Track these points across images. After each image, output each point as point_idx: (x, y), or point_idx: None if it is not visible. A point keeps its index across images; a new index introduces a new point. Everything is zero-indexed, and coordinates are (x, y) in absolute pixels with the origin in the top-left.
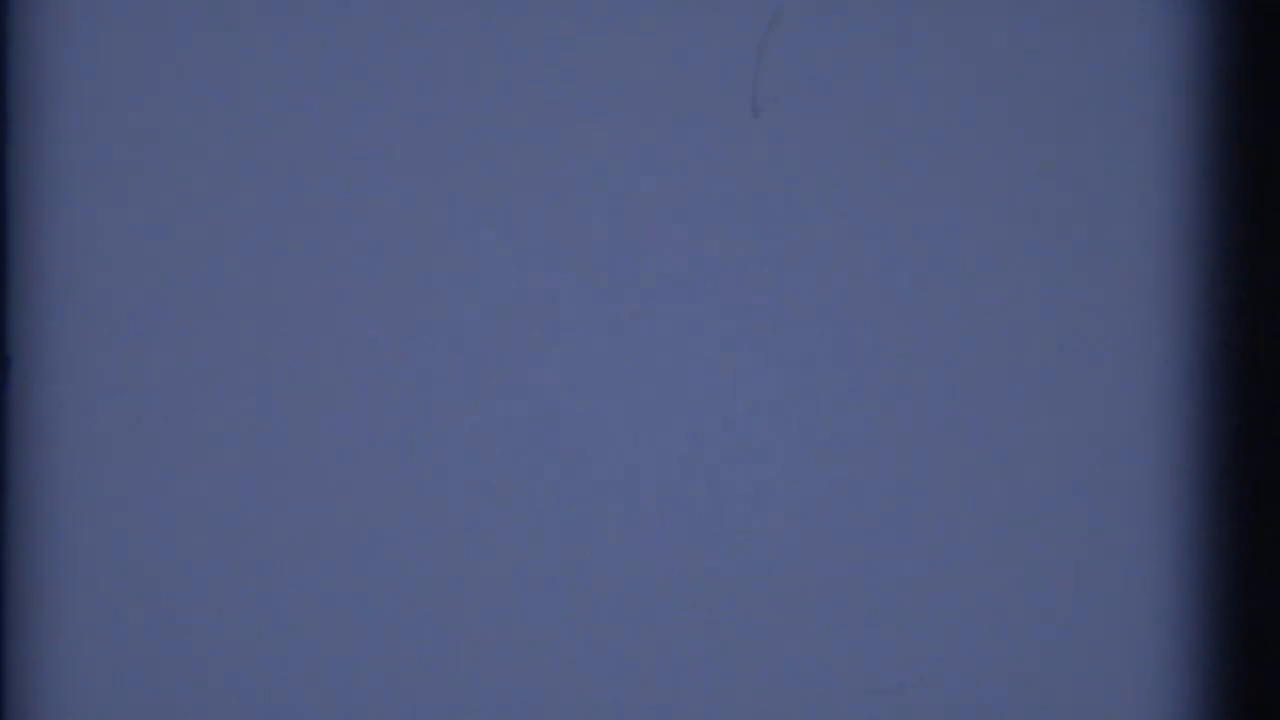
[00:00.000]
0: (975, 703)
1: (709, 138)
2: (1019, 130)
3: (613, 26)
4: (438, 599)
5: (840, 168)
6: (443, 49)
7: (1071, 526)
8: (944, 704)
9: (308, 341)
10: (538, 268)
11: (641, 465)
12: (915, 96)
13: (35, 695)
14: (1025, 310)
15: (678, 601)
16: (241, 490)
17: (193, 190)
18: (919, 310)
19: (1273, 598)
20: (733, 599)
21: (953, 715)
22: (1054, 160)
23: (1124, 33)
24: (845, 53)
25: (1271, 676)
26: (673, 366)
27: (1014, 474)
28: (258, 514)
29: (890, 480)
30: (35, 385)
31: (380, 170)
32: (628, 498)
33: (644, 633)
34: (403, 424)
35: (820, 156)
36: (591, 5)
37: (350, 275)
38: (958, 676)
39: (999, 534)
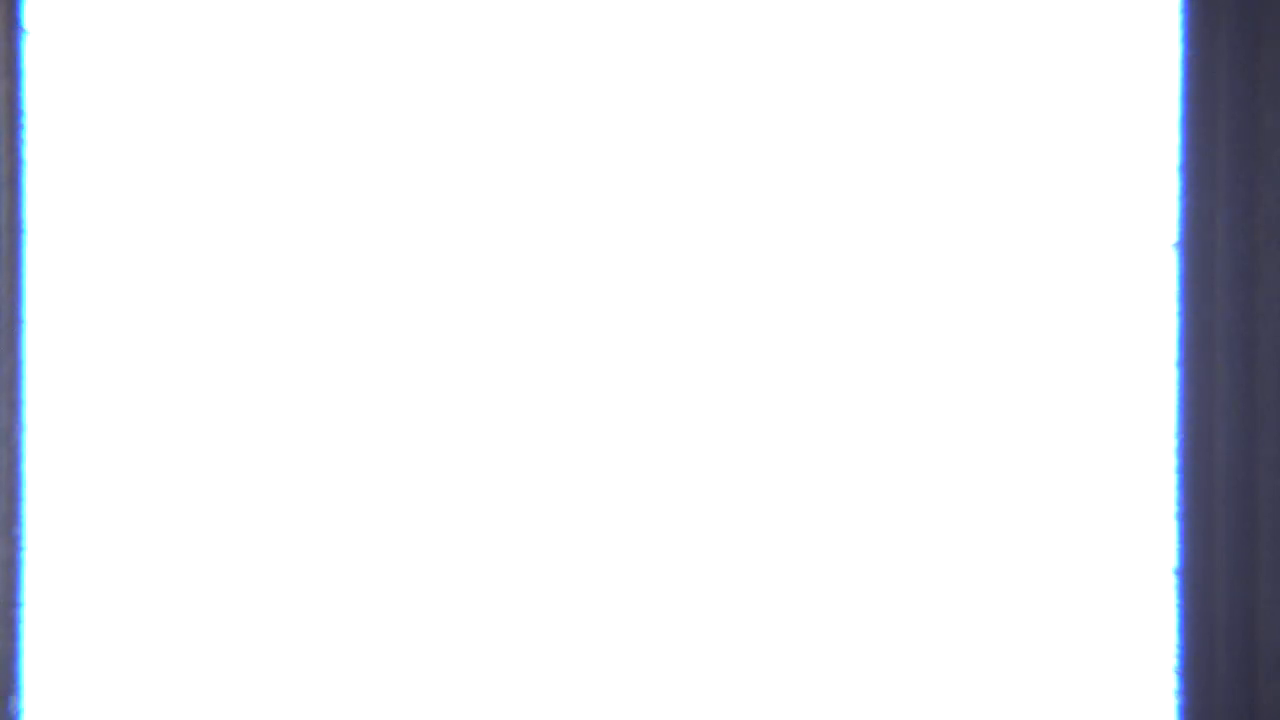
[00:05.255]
0: (972, 705)
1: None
2: (1017, 130)
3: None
4: (440, 600)
5: (837, 164)
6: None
7: (1069, 530)
8: (943, 706)
9: (312, 342)
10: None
11: (646, 470)
12: (912, 93)
13: (36, 695)
14: (1023, 312)
15: (674, 603)
16: (244, 490)
17: (195, 190)
18: (912, 312)
19: (1272, 598)
20: (731, 600)
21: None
22: (1054, 161)
23: (1123, 31)
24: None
25: (1268, 678)
26: (678, 368)
27: (1012, 476)
28: (261, 514)
29: (887, 485)
30: (35, 385)
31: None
32: (631, 504)
33: (637, 636)
34: (410, 428)
35: (816, 152)
36: None
37: (360, 276)
38: (956, 680)
39: (999, 540)
